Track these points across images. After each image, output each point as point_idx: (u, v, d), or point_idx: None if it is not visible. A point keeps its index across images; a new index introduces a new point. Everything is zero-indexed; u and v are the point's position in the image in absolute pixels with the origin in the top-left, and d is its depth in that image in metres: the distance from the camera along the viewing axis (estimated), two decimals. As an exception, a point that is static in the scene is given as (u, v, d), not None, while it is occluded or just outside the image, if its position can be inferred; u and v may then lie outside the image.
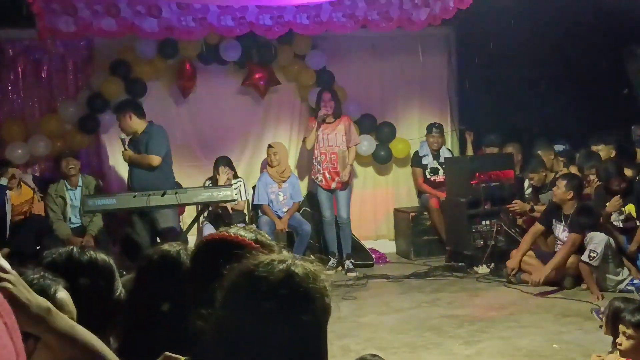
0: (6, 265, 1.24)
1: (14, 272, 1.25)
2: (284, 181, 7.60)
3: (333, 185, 7.43)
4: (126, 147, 6.59)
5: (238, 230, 1.72)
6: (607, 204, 6.16)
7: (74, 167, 7.03)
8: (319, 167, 7.47)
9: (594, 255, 5.86)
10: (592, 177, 6.56)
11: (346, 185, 7.50)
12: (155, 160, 6.48)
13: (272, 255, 1.32)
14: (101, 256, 1.98)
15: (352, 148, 7.53)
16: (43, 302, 1.32)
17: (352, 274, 7.20)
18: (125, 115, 6.58)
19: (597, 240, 5.91)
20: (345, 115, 7.63)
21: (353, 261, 7.45)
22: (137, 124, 6.58)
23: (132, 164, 6.59)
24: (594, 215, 6.12)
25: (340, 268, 7.48)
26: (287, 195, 7.62)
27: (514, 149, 7.83)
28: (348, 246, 7.53)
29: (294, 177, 7.78)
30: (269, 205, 7.58)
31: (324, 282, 1.29)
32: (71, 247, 2.00)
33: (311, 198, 8.05)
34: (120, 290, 1.98)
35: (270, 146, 7.69)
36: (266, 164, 7.80)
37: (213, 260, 1.61)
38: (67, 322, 1.38)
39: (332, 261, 7.48)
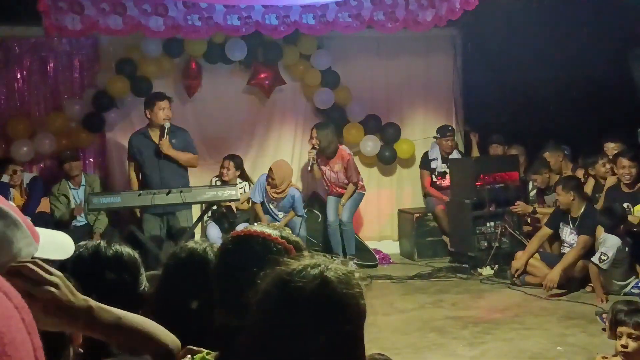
0: (49, 267, 1.25)
1: (58, 272, 1.26)
2: (278, 199, 7.46)
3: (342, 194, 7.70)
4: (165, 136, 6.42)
5: (263, 227, 1.72)
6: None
7: (77, 168, 7.06)
8: (327, 188, 7.79)
9: (605, 258, 5.83)
10: (603, 169, 6.54)
11: (359, 190, 7.71)
12: (196, 160, 6.59)
13: (304, 260, 1.32)
14: (126, 250, 2.01)
15: (350, 186, 7.65)
16: (84, 300, 1.33)
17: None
18: (170, 102, 6.51)
19: (609, 244, 5.86)
20: (344, 151, 7.60)
21: (357, 261, 7.45)
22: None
23: (166, 157, 6.41)
24: (617, 216, 5.98)
25: None
26: (285, 211, 7.55)
27: (518, 151, 7.82)
28: (351, 247, 7.56)
29: (294, 191, 7.53)
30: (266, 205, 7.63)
31: (358, 284, 1.29)
32: (98, 241, 2.03)
33: (319, 200, 8.07)
34: (144, 284, 1.99)
35: (270, 170, 7.44)
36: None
37: (239, 257, 1.62)
38: (112, 314, 1.38)
39: None
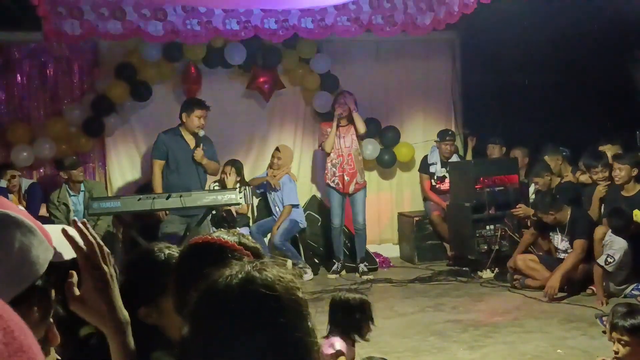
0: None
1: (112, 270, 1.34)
2: (275, 184, 7.60)
3: (351, 188, 7.44)
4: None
5: (221, 234, 1.72)
6: None
7: (79, 175, 7.07)
8: (334, 170, 7.46)
9: (611, 261, 5.80)
10: (600, 175, 6.55)
11: (362, 187, 7.53)
12: (219, 170, 6.98)
13: (238, 266, 1.31)
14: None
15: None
16: (126, 314, 1.35)
17: (368, 277, 7.28)
18: (207, 112, 6.69)
19: (617, 247, 5.84)
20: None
21: (367, 264, 7.51)
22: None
23: (199, 164, 6.65)
24: (625, 217, 5.96)
25: (344, 272, 7.52)
26: (279, 198, 7.65)
27: (522, 153, 7.81)
28: (363, 250, 7.60)
29: (287, 179, 7.67)
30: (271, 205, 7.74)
31: (292, 280, 1.28)
32: None
33: (319, 203, 8.08)
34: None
35: (277, 149, 7.75)
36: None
37: (196, 265, 1.60)
38: (131, 340, 1.42)
39: (337, 265, 7.50)
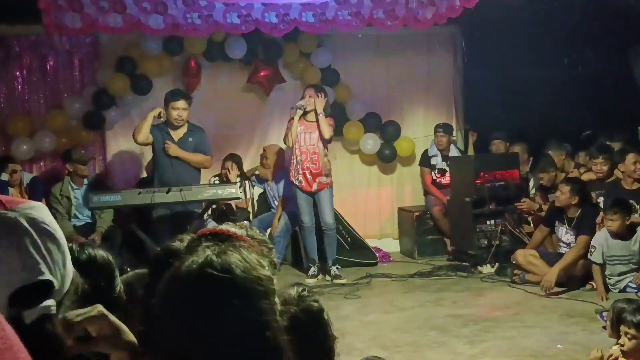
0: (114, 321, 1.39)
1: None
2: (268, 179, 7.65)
3: (314, 187, 6.93)
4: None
5: (229, 226, 1.72)
6: None
7: (85, 170, 7.06)
8: (298, 167, 6.93)
9: (593, 250, 5.95)
10: (602, 167, 6.54)
11: (327, 186, 6.99)
12: (209, 161, 6.68)
13: (201, 251, 1.32)
14: (100, 253, 1.95)
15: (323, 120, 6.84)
16: (134, 339, 1.37)
17: (341, 281, 6.82)
18: (187, 102, 6.51)
19: (597, 237, 6.00)
20: (329, 117, 7.00)
21: (339, 267, 7.11)
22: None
23: (176, 159, 6.43)
24: (625, 206, 5.97)
25: (322, 276, 7.06)
26: (277, 191, 7.67)
27: (522, 148, 7.81)
28: (333, 252, 7.09)
29: (284, 173, 7.52)
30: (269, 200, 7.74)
31: (251, 263, 1.28)
32: (70, 244, 1.99)
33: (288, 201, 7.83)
34: (119, 287, 1.96)
35: (263, 150, 7.75)
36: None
37: None
38: None
39: (313, 269, 7.03)
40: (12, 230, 1.16)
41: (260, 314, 1.24)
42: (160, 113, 6.46)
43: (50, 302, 1.18)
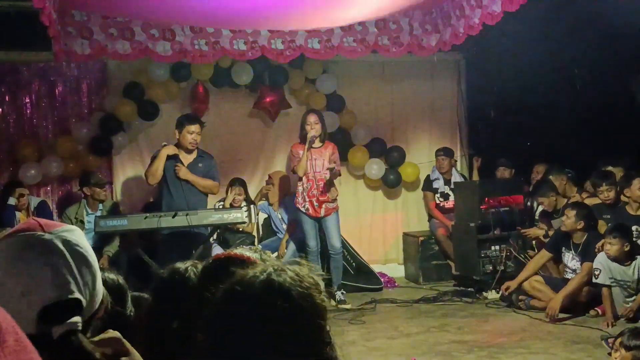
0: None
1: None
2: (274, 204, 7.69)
3: (321, 213, 6.95)
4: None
5: (243, 250, 1.76)
6: None
7: (101, 194, 7.13)
8: (304, 195, 6.95)
9: (597, 272, 5.91)
10: (608, 193, 6.55)
11: (334, 210, 7.01)
12: (217, 187, 6.66)
13: (256, 268, 1.35)
14: (110, 277, 2.00)
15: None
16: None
17: (346, 306, 6.83)
18: (201, 127, 6.51)
19: (599, 259, 5.94)
20: (330, 142, 7.15)
21: (344, 292, 7.11)
22: None
23: (186, 181, 6.41)
24: (625, 231, 5.98)
25: (327, 301, 7.16)
26: (282, 218, 7.70)
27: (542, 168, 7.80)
28: (339, 277, 7.11)
29: (290, 198, 7.60)
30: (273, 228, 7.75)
31: (313, 282, 1.32)
32: None
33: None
34: (130, 309, 1.99)
35: (269, 177, 7.81)
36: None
37: (219, 279, 1.65)
38: None
39: None
40: (47, 250, 1.24)
41: (320, 331, 1.29)
42: (170, 147, 6.45)
43: (77, 319, 1.24)
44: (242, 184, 7.64)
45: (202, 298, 1.69)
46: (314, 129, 6.91)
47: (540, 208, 7.42)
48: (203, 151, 6.65)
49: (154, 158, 6.52)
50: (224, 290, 1.33)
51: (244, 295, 1.28)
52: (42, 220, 1.31)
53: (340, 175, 7.19)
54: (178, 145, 6.52)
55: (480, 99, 8.50)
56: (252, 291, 1.28)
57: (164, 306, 2.02)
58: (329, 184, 6.97)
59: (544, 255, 6.62)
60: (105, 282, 1.94)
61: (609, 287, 5.89)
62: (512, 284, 6.52)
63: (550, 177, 7.32)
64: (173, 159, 6.45)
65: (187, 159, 6.51)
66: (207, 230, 6.53)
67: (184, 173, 6.40)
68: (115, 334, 1.43)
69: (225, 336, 1.27)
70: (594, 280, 5.94)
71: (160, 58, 6.82)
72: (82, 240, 1.33)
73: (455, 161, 8.47)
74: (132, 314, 2.01)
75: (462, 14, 6.30)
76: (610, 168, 6.91)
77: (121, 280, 2.04)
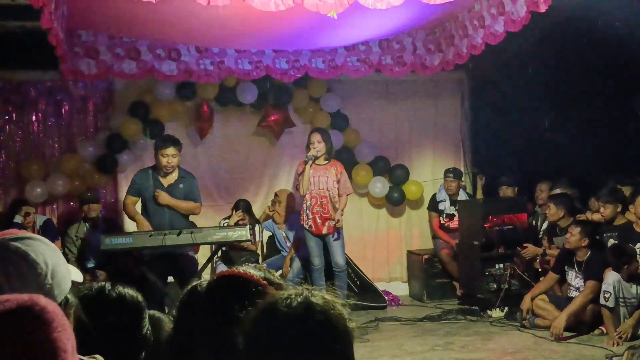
0: None
1: None
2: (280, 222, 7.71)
3: (324, 230, 6.96)
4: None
5: (248, 269, 1.79)
6: None
7: (95, 211, 7.16)
8: (308, 212, 6.98)
9: (608, 295, 5.83)
10: (608, 211, 6.53)
11: (338, 230, 7.00)
12: (198, 208, 6.51)
13: (289, 291, 1.39)
14: (130, 293, 1.99)
15: (343, 197, 7.04)
16: None
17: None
18: (177, 149, 6.30)
19: (610, 280, 5.86)
20: (338, 162, 7.19)
21: (349, 310, 7.16)
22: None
23: (168, 206, 6.32)
24: (625, 255, 5.96)
25: None
26: (286, 236, 7.72)
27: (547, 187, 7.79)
28: (343, 295, 7.07)
29: (295, 216, 7.60)
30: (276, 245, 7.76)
31: (343, 309, 1.36)
32: (104, 282, 2.02)
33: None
34: (147, 327, 1.98)
35: (275, 195, 7.82)
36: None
37: (223, 296, 1.68)
38: None
39: None
40: None
41: (350, 352, 1.36)
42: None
43: None
44: (246, 208, 7.61)
45: (206, 317, 1.71)
46: (315, 147, 6.95)
47: (544, 226, 7.41)
48: (185, 171, 6.50)
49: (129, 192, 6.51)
50: (262, 309, 1.36)
51: (285, 315, 1.33)
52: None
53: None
54: (156, 167, 6.41)
55: (483, 117, 8.54)
56: (293, 311, 1.33)
57: (185, 325, 2.02)
58: (333, 206, 6.98)
59: (552, 277, 6.59)
60: (124, 298, 1.96)
61: (611, 309, 5.87)
62: (527, 307, 6.49)
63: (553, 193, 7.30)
64: (153, 180, 6.36)
65: (167, 180, 6.36)
66: (191, 250, 6.53)
67: (162, 198, 6.28)
68: (100, 359, 1.42)
69: (266, 354, 1.31)
70: (604, 302, 5.88)
71: (166, 77, 6.90)
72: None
73: (464, 182, 8.46)
74: (148, 333, 2.00)
75: (465, 34, 6.36)
76: (619, 186, 6.89)
77: (140, 297, 2.04)
